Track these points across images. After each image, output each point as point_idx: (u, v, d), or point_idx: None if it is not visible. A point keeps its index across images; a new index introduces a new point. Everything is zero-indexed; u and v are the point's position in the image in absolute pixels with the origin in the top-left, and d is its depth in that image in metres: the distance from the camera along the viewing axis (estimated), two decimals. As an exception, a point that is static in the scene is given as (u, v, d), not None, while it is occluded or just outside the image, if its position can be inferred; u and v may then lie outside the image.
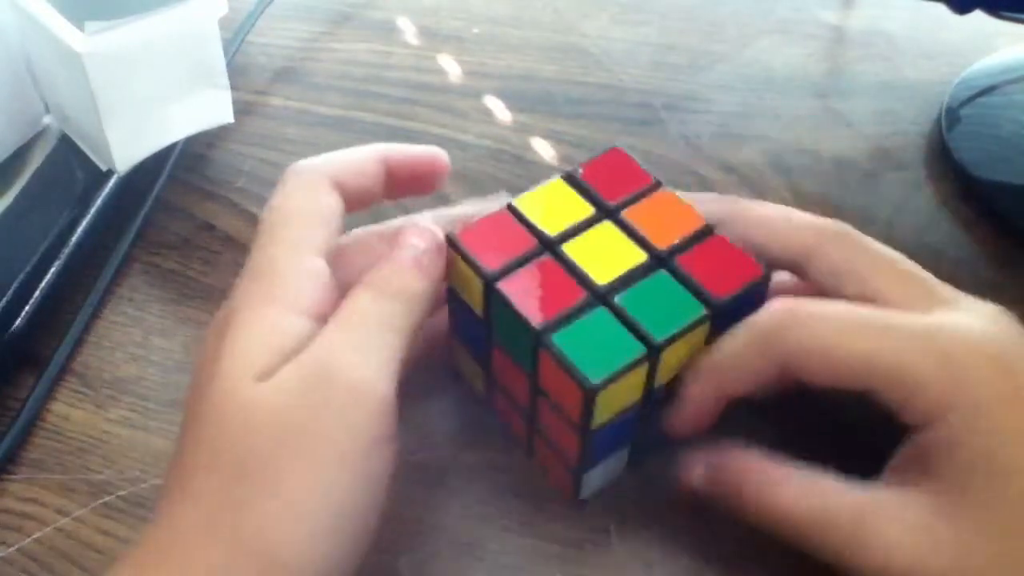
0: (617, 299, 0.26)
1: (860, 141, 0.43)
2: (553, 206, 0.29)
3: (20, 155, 0.40)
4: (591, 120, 0.44)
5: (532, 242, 0.28)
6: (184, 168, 0.43)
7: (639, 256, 0.27)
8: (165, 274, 0.39)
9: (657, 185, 0.29)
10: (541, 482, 0.31)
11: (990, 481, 0.24)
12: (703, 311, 0.26)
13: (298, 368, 0.24)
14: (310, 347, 0.25)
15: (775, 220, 0.29)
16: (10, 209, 0.37)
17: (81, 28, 0.35)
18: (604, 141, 0.43)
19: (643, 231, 0.28)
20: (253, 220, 0.41)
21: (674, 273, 0.27)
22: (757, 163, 0.42)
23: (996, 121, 0.41)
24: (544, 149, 0.43)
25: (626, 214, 0.28)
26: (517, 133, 0.44)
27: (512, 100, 0.46)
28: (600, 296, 0.26)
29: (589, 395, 0.25)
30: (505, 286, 0.27)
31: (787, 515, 0.26)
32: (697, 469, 0.28)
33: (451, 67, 0.48)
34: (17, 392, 0.35)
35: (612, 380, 0.25)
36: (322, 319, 0.26)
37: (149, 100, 0.38)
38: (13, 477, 0.33)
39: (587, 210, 0.29)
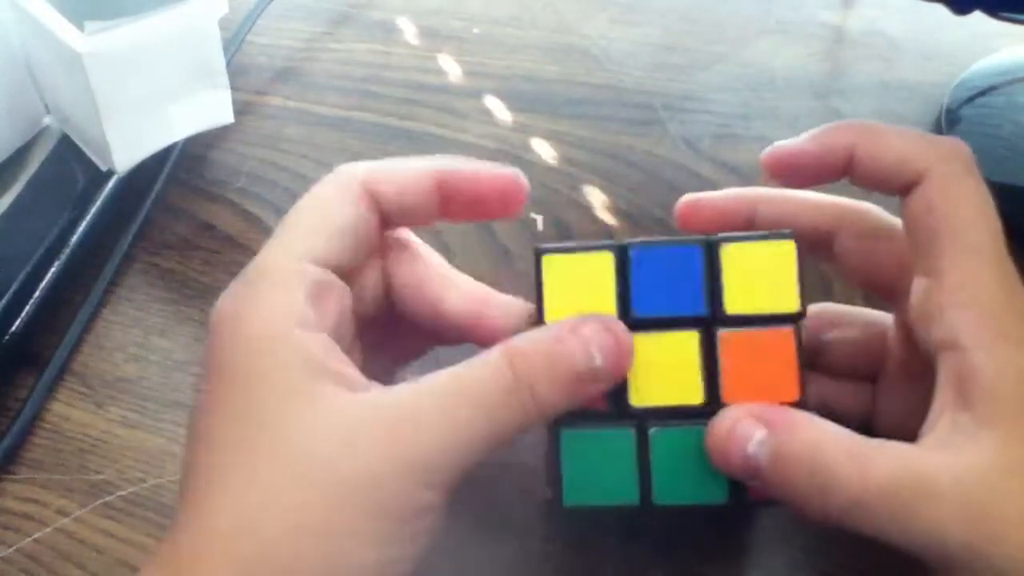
0: (651, 431, 0.24)
1: (860, 141, 0.43)
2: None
3: (20, 155, 0.40)
4: (591, 120, 0.44)
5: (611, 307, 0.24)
6: (184, 168, 0.43)
7: (696, 395, 0.24)
8: (165, 274, 0.39)
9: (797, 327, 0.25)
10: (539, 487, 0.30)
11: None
12: (723, 499, 0.24)
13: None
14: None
15: (891, 133, 0.26)
16: (10, 209, 0.37)
17: (81, 28, 0.35)
18: (604, 141, 0.43)
19: (725, 367, 0.24)
20: (253, 220, 0.41)
21: None
22: (757, 163, 0.42)
23: (996, 121, 0.41)
24: (544, 149, 0.43)
25: (723, 337, 0.24)
26: (517, 133, 0.44)
27: (512, 100, 0.46)
28: (632, 416, 0.24)
29: (559, 509, 0.24)
30: None
31: (879, 493, 0.22)
32: (755, 435, 0.23)
33: (451, 67, 0.48)
34: (17, 392, 0.35)
35: (588, 508, 0.24)
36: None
37: (149, 100, 0.38)
38: (13, 477, 0.33)
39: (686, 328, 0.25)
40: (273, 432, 0.22)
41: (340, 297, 0.25)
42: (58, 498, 0.32)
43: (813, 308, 0.29)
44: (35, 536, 0.31)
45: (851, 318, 0.29)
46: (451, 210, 0.27)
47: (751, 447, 0.22)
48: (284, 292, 0.23)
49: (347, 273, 0.25)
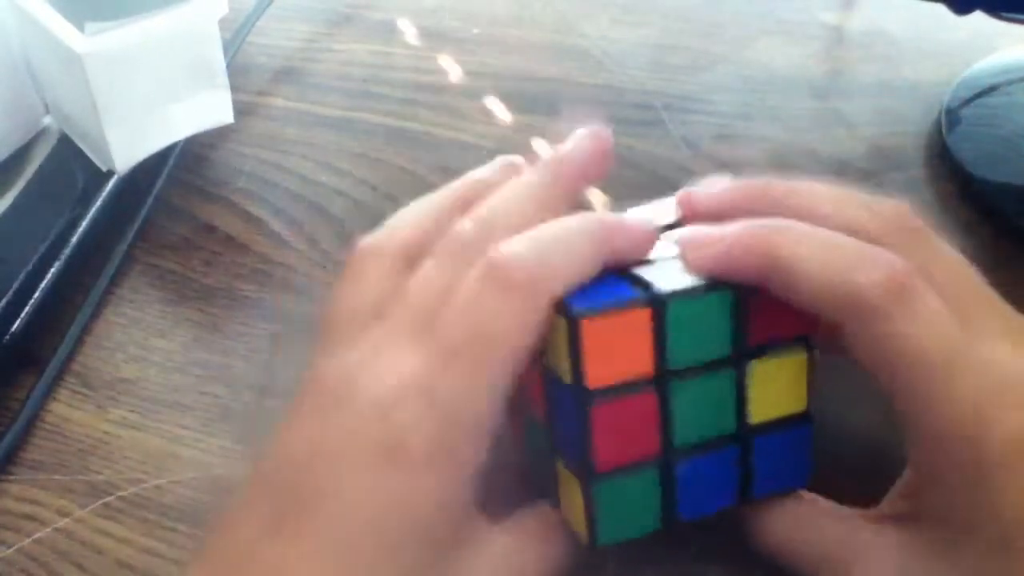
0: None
1: (860, 141, 0.43)
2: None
3: (20, 155, 0.40)
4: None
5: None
6: (184, 168, 0.43)
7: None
8: (165, 274, 0.39)
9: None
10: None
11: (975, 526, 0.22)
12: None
13: None
14: None
15: (824, 208, 0.26)
16: (10, 209, 0.37)
17: (81, 28, 0.35)
18: (604, 141, 0.43)
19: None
20: (253, 220, 0.41)
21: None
22: (757, 163, 0.42)
23: (996, 121, 0.41)
24: (544, 149, 0.43)
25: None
26: (517, 133, 0.44)
27: (512, 100, 0.46)
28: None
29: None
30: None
31: (784, 543, 0.27)
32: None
33: (451, 67, 0.48)
34: (17, 392, 0.35)
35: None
36: None
37: (149, 100, 0.38)
38: (13, 478, 0.33)
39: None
40: None
41: None
42: (58, 498, 0.32)
43: None
44: (35, 536, 0.31)
45: None
46: None
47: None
48: None
49: None
